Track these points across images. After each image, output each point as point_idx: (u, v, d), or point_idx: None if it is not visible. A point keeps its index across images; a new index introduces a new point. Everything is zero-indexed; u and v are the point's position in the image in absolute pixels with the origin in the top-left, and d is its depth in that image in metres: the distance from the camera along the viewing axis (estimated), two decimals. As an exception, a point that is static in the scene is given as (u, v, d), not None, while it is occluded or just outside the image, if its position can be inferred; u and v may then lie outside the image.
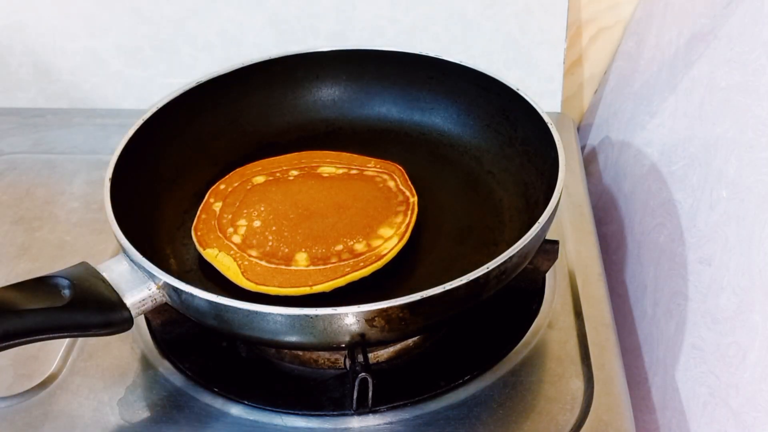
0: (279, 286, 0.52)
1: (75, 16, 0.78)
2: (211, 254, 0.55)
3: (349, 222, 0.57)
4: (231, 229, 0.57)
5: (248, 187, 0.61)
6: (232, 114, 0.67)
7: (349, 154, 0.65)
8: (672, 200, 0.60)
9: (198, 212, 0.59)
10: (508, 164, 0.63)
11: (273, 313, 0.43)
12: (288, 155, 0.64)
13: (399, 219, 0.57)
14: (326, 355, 0.52)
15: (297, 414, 0.50)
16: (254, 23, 0.77)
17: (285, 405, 0.50)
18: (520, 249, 0.47)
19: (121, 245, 0.48)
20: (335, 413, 0.49)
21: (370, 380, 0.47)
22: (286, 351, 0.53)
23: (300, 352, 0.53)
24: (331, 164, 0.63)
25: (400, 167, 0.63)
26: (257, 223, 0.57)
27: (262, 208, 0.58)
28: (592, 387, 0.51)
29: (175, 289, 0.46)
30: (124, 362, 0.53)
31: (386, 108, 0.69)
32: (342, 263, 0.53)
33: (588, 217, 0.66)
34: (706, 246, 0.54)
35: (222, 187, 0.61)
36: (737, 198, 0.50)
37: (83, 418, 0.50)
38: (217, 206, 0.59)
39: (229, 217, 0.58)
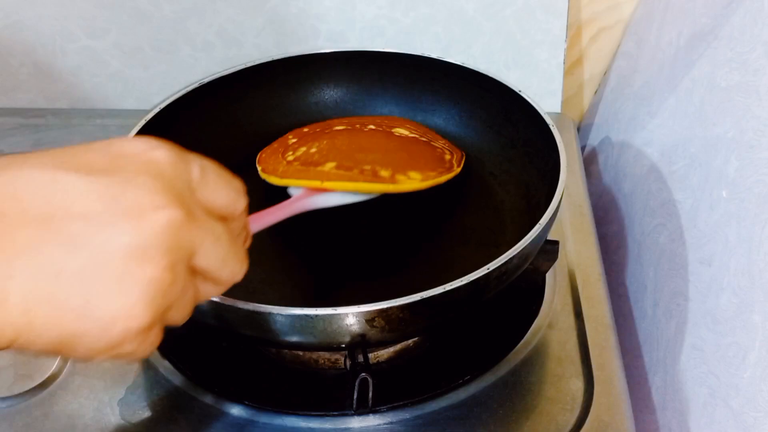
0: (296, 178, 0.56)
1: (75, 16, 0.78)
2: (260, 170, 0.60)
3: (388, 158, 0.60)
4: (290, 153, 0.60)
5: (326, 131, 0.64)
6: (234, 115, 0.67)
7: (426, 128, 0.67)
8: (672, 200, 0.60)
9: (272, 143, 0.64)
10: (509, 166, 0.63)
11: (273, 313, 0.43)
12: (375, 116, 0.68)
13: (433, 173, 0.59)
14: (326, 355, 0.52)
15: (297, 414, 0.50)
16: (254, 23, 0.77)
17: (285, 405, 0.50)
18: (521, 250, 0.47)
19: (121, 245, 0.48)
20: (335, 413, 0.49)
21: (370, 380, 0.47)
22: (286, 351, 0.53)
23: (300, 353, 0.53)
24: (407, 129, 0.66)
25: (464, 153, 0.65)
26: (313, 150, 0.60)
27: (325, 143, 0.61)
28: (592, 387, 0.51)
29: (176, 290, 0.46)
30: (124, 362, 0.54)
31: (388, 109, 0.69)
32: (361, 175, 0.56)
33: (588, 218, 0.66)
34: (706, 246, 0.53)
35: (305, 130, 0.65)
36: (737, 198, 0.50)
37: (83, 419, 0.50)
38: (293, 140, 0.63)
39: (294, 144, 0.62)
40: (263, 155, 0.63)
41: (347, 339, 0.45)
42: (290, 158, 0.60)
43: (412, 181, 0.57)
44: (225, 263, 0.33)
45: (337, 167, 0.57)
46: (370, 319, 0.44)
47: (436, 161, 0.62)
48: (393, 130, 0.65)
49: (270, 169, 0.60)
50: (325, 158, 0.58)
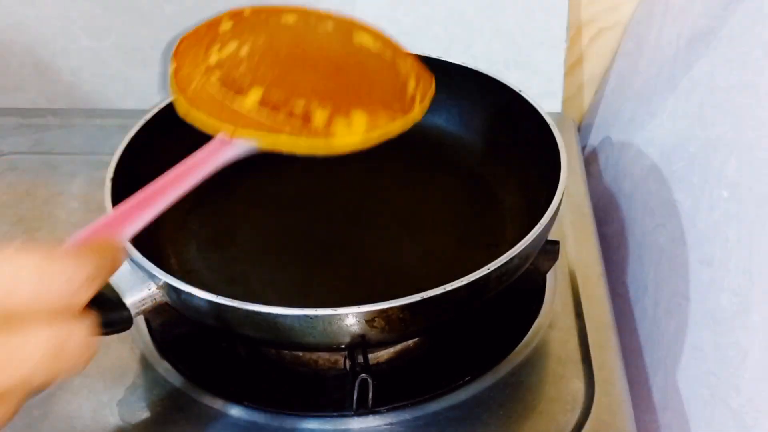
0: (205, 112, 0.44)
1: (76, 16, 0.77)
2: (174, 69, 0.47)
3: (333, 86, 0.46)
4: (216, 50, 0.47)
5: (271, 21, 0.51)
6: (233, 114, 0.67)
7: (393, 41, 0.53)
8: (672, 200, 0.60)
9: (201, 24, 0.49)
10: (509, 165, 0.63)
11: (273, 313, 0.43)
12: (340, 17, 0.54)
13: (382, 115, 0.46)
14: (326, 355, 0.52)
15: (297, 415, 0.50)
16: (254, 24, 0.77)
17: (285, 406, 0.50)
18: (521, 250, 0.47)
19: (121, 245, 0.48)
20: (335, 414, 0.49)
21: (370, 381, 0.47)
22: (286, 352, 0.53)
23: (300, 353, 0.53)
24: (371, 37, 0.53)
25: (433, 77, 0.52)
26: (244, 52, 0.48)
27: (262, 42, 0.49)
28: (593, 387, 0.51)
29: (175, 289, 0.46)
30: (124, 363, 0.53)
31: (387, 108, 0.69)
32: (287, 120, 0.44)
33: (588, 218, 0.66)
34: (706, 246, 0.53)
35: (246, 14, 0.51)
36: (737, 198, 0.50)
37: (83, 419, 0.50)
38: (225, 28, 0.49)
39: (226, 35, 0.49)
40: (185, 44, 0.48)
41: (347, 339, 0.45)
42: (212, 62, 0.46)
43: (353, 134, 0.44)
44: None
45: (262, 101, 0.44)
46: (370, 319, 0.44)
47: (393, 92, 0.49)
48: (354, 37, 0.52)
49: (183, 75, 0.46)
50: (252, 78, 0.45)
